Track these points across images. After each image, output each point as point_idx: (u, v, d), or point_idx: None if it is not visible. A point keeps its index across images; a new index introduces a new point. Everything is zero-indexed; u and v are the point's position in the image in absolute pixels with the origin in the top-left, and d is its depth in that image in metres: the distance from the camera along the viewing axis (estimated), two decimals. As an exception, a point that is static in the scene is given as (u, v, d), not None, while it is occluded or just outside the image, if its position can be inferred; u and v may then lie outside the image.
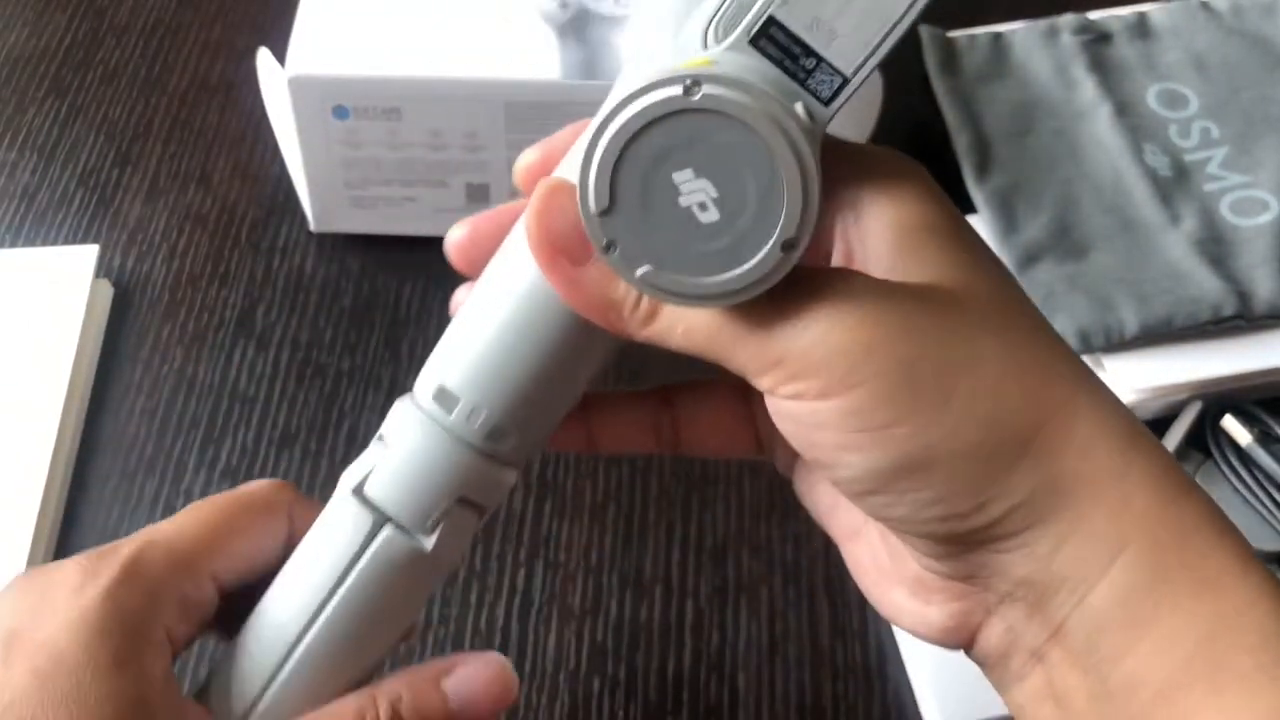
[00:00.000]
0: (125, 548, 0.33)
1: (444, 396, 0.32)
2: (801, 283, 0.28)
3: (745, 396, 0.35)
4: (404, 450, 0.32)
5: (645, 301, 0.29)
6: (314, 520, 0.34)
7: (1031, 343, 0.29)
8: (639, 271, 0.27)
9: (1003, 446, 0.27)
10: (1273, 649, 0.27)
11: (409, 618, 0.35)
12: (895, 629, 0.51)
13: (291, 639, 0.33)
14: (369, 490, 0.33)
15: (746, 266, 0.27)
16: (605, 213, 0.27)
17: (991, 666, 0.31)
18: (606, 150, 0.26)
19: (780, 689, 0.50)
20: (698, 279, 0.27)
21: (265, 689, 0.34)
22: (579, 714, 0.49)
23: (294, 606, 0.33)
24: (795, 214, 0.26)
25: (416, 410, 0.32)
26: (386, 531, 0.32)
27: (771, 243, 0.27)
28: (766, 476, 0.56)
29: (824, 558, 0.53)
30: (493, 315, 0.31)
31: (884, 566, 0.32)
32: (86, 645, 0.31)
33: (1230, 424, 0.55)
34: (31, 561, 0.51)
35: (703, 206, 0.27)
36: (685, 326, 0.29)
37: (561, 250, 0.28)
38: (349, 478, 0.33)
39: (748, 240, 0.27)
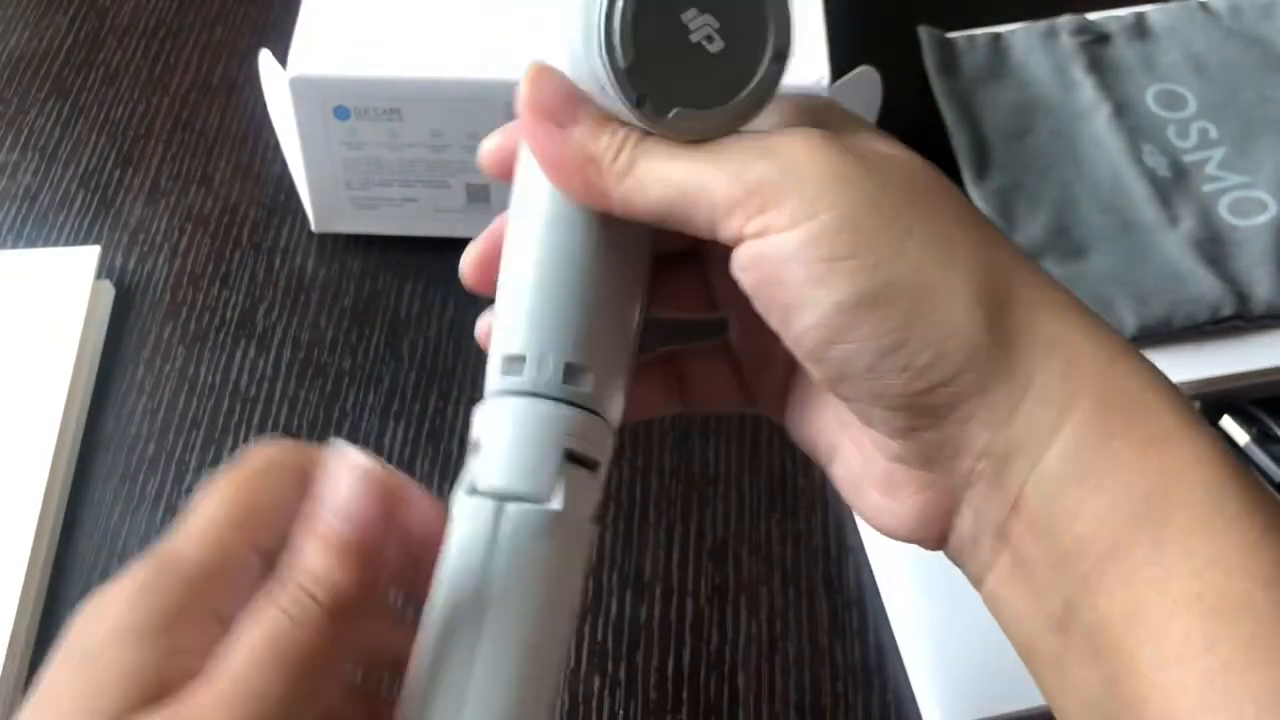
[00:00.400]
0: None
1: (511, 363, 0.32)
2: (776, 131, 0.30)
3: (736, 358, 0.37)
4: (496, 432, 0.31)
5: (624, 153, 0.30)
6: (319, 456, 0.31)
7: (972, 213, 0.31)
8: (670, 114, 0.29)
9: (958, 290, 0.29)
10: (1211, 502, 0.27)
11: (570, 597, 0.32)
12: (895, 628, 0.51)
13: (466, 665, 0.30)
14: (480, 486, 0.31)
15: (753, 83, 0.30)
16: (632, 67, 0.29)
17: (965, 560, 0.32)
18: (625, 5, 0.28)
19: (780, 688, 0.50)
20: (717, 108, 0.30)
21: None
22: (579, 713, 0.49)
23: (454, 632, 0.30)
24: (783, 24, 0.30)
25: (494, 397, 0.32)
26: (510, 508, 0.30)
27: (768, 56, 0.30)
28: (766, 476, 0.56)
29: (823, 557, 0.54)
30: (521, 269, 0.32)
31: (859, 471, 0.33)
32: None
33: (1229, 424, 0.55)
34: (32, 561, 0.51)
35: (709, 39, 0.29)
36: (660, 175, 0.30)
37: (548, 114, 0.30)
38: (457, 489, 0.31)
39: (748, 60, 0.30)
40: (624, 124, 0.30)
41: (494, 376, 0.32)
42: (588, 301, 0.32)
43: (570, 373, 0.31)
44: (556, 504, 0.30)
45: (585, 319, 0.32)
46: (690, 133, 0.30)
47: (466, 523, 0.31)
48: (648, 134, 0.30)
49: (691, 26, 0.29)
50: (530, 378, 0.31)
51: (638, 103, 0.29)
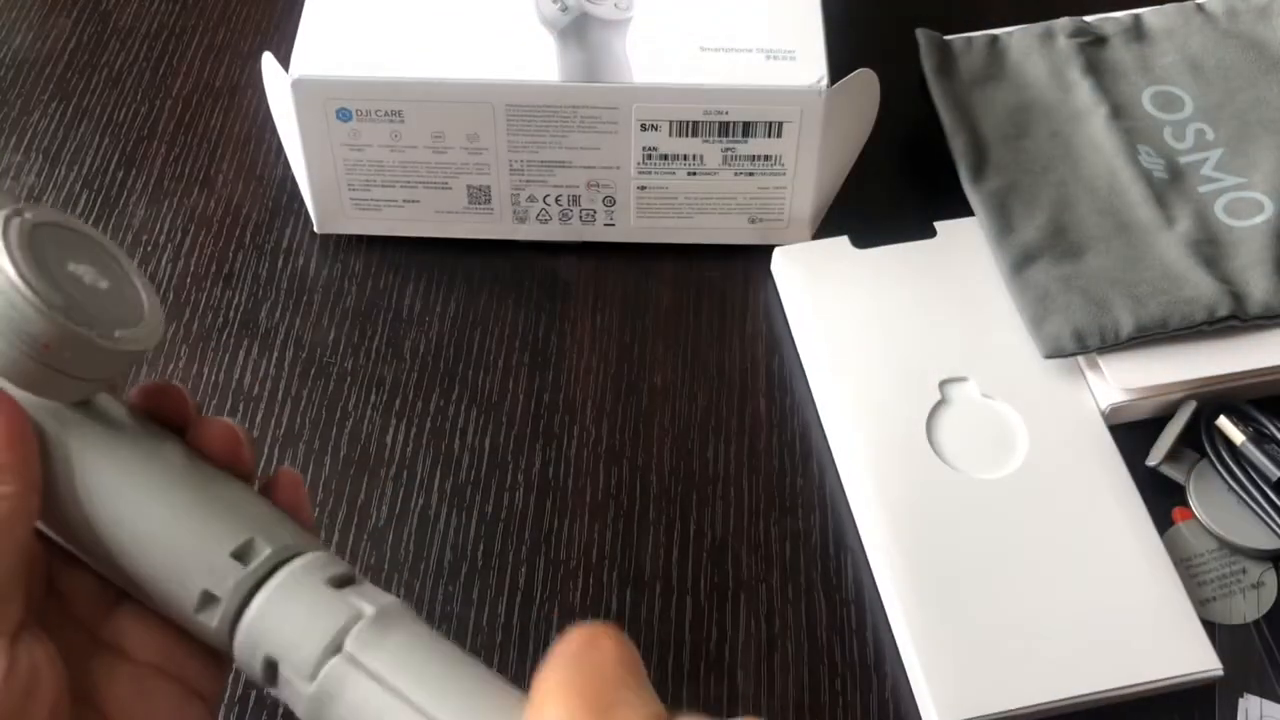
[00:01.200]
0: None
1: (207, 600, 0.34)
2: None
3: None
4: (285, 622, 0.33)
5: None
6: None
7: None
8: (116, 334, 0.34)
9: None
10: None
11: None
12: (893, 627, 0.51)
13: None
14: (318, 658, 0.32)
15: (145, 298, 0.36)
16: (67, 308, 0.32)
17: None
18: (35, 283, 0.32)
19: (778, 686, 0.50)
20: (142, 322, 0.35)
21: None
22: (579, 710, 0.50)
23: None
24: (116, 252, 0.36)
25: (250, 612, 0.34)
26: (351, 638, 0.32)
27: (137, 279, 0.36)
28: (765, 476, 0.56)
29: (822, 556, 0.54)
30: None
31: None
32: None
33: (1225, 424, 0.55)
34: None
35: (98, 280, 0.34)
36: None
37: None
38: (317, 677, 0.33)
39: (129, 286, 0.36)
40: None
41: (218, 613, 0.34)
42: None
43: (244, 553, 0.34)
44: (369, 610, 0.32)
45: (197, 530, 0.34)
46: (139, 343, 0.34)
47: (342, 684, 0.32)
48: None
49: (80, 274, 0.34)
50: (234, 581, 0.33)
51: (90, 327, 0.33)
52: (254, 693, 0.50)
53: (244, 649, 0.33)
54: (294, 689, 0.32)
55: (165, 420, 0.37)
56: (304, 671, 0.32)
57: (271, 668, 0.33)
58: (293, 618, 0.33)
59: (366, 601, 0.33)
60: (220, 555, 0.33)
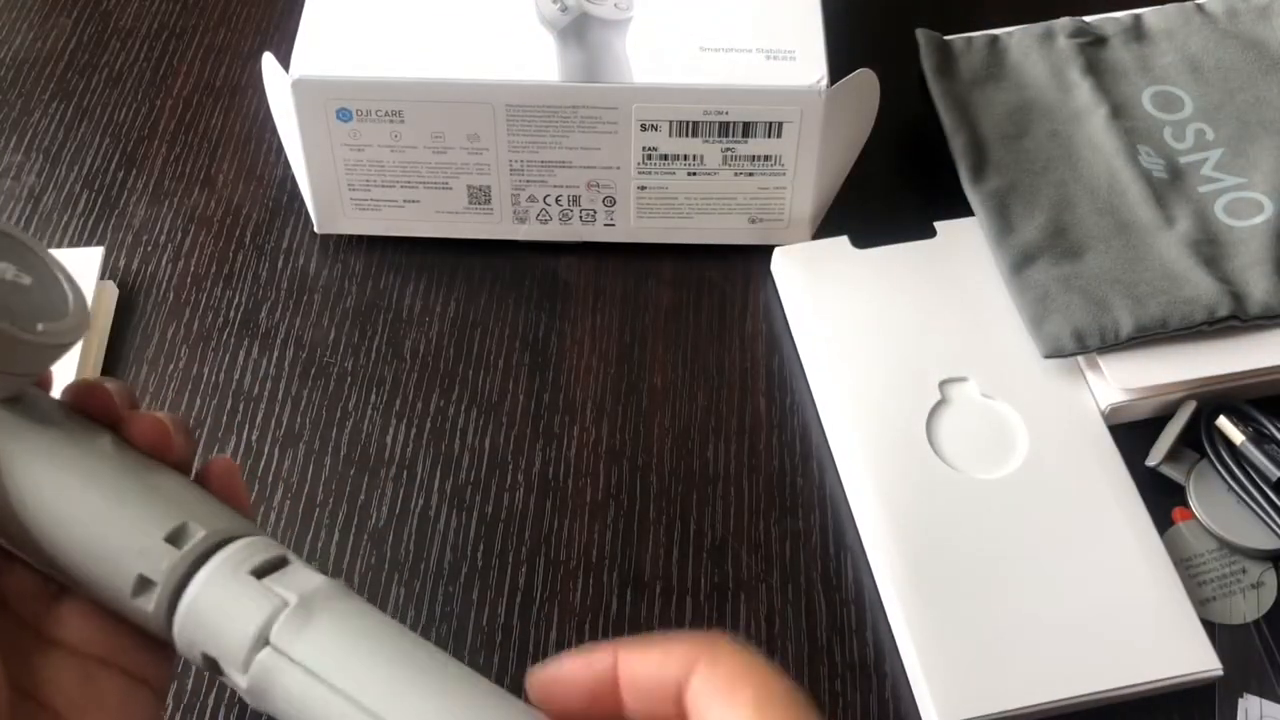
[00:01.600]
0: None
1: (142, 585, 0.34)
2: None
3: None
4: (211, 615, 0.33)
5: None
6: None
7: None
8: (39, 328, 0.34)
9: None
10: None
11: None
12: (893, 625, 0.51)
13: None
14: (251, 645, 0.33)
15: (70, 292, 0.36)
16: None
17: None
18: None
19: (778, 685, 0.50)
20: (68, 315, 0.35)
21: None
22: (579, 710, 0.50)
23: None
24: (35, 247, 0.36)
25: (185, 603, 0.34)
26: (276, 628, 0.32)
27: (60, 272, 0.36)
28: (765, 476, 0.56)
29: (821, 556, 0.54)
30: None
31: None
32: None
33: (1224, 424, 0.55)
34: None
35: (19, 276, 0.35)
36: None
37: None
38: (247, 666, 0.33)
39: (51, 281, 0.36)
40: None
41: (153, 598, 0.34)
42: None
43: (178, 536, 0.34)
44: (292, 599, 0.32)
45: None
46: (62, 336, 0.35)
47: (273, 675, 0.32)
48: None
49: (0, 271, 0.34)
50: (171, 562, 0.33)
51: (12, 322, 0.33)
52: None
53: (182, 640, 0.33)
54: (234, 681, 0.33)
55: (95, 418, 0.37)
56: (236, 665, 0.32)
57: (211, 661, 0.33)
58: (219, 613, 0.33)
59: (291, 589, 0.33)
60: (153, 539, 0.33)
